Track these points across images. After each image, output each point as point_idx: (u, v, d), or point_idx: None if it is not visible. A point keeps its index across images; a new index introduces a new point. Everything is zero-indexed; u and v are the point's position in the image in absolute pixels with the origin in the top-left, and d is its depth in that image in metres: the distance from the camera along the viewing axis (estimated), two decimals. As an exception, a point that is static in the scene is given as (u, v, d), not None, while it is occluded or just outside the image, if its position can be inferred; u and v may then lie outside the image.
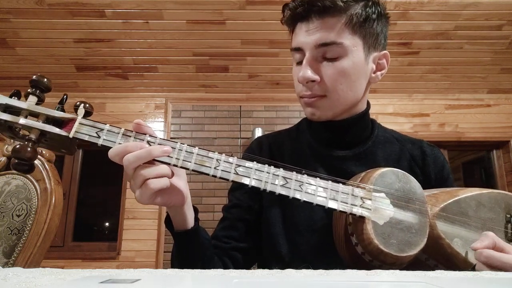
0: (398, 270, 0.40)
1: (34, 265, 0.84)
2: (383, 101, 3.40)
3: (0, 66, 3.07)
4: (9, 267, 0.81)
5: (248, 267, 0.75)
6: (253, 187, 0.52)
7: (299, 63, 0.68)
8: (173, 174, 0.54)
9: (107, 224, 3.65)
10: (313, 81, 0.66)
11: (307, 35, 0.65)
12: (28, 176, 0.91)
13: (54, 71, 3.09)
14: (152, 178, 0.49)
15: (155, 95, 3.39)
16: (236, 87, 3.36)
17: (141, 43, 2.94)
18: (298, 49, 0.68)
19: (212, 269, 0.40)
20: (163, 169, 0.50)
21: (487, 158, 3.59)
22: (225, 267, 0.69)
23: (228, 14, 2.73)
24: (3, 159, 0.94)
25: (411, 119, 3.41)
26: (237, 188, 0.77)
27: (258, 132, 3.24)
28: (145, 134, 0.52)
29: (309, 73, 0.65)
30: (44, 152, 0.94)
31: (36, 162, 0.92)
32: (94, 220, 3.67)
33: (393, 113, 3.42)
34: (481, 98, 3.44)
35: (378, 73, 0.71)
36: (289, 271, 0.39)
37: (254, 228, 0.74)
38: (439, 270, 0.41)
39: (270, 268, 0.71)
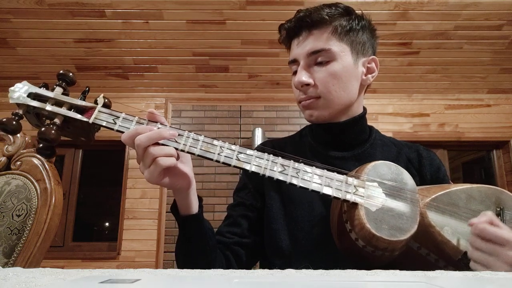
0: (398, 270, 0.40)
1: (34, 265, 0.84)
2: (383, 101, 3.40)
3: (0, 66, 3.07)
4: (9, 267, 0.81)
5: (250, 263, 0.78)
6: (253, 172, 0.55)
7: (296, 73, 0.75)
8: (178, 156, 0.58)
9: (107, 224, 3.65)
10: (308, 84, 0.73)
11: (300, 47, 0.74)
12: (28, 176, 0.91)
13: (55, 71, 3.05)
14: (161, 156, 0.54)
15: (155, 95, 3.40)
16: (236, 87, 3.36)
17: (141, 43, 2.94)
18: (294, 61, 0.76)
19: (212, 269, 0.40)
20: (170, 149, 0.55)
21: (487, 158, 3.58)
22: (227, 261, 0.72)
23: (228, 14, 2.72)
24: (3, 159, 0.94)
25: (410, 119, 3.41)
26: (241, 188, 0.82)
27: (258, 132, 3.24)
28: (157, 122, 0.57)
29: (303, 78, 0.72)
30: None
31: (36, 162, 0.92)
32: (94, 220, 3.67)
33: (392, 113, 3.41)
34: (481, 98, 3.44)
35: (369, 75, 0.77)
36: (289, 271, 0.39)
37: (257, 225, 0.77)
38: (439, 270, 0.41)
39: (271, 262, 0.74)
